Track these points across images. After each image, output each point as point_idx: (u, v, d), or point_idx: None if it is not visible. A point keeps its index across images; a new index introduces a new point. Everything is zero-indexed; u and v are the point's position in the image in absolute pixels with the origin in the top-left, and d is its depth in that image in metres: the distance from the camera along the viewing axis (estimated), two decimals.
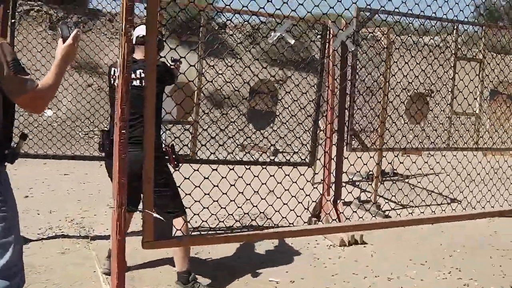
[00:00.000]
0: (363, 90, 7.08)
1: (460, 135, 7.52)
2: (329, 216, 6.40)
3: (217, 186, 3.35)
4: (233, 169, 3.81)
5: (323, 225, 5.70)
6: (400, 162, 5.66)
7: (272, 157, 10.82)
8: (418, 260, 5.88)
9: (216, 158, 5.10)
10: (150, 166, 2.86)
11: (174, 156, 4.65)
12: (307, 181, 4.02)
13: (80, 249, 5.68)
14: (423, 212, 5.55)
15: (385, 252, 6.08)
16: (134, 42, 4.52)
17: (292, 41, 4.04)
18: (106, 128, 4.88)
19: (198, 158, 6.31)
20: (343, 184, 6.43)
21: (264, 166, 4.01)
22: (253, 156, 7.25)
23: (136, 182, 4.14)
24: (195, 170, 3.31)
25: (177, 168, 4.50)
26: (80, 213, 6.96)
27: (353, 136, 6.54)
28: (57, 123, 9.37)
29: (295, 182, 3.82)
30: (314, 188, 4.32)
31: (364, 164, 4.60)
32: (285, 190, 3.80)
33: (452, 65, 7.13)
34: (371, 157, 5.04)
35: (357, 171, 5.15)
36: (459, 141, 7.48)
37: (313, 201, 4.36)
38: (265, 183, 3.61)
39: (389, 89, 8.04)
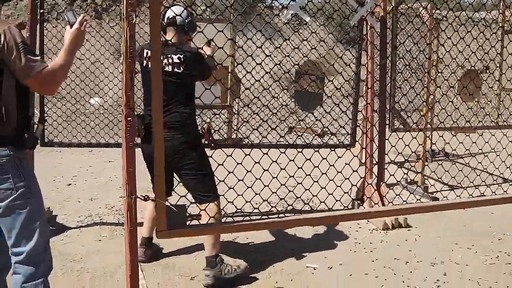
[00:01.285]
0: (405, 68, 6.85)
1: (510, 113, 7.22)
2: (371, 200, 6.20)
3: (250, 171, 3.23)
4: (267, 153, 3.65)
5: (363, 210, 5.48)
6: (446, 143, 5.40)
7: (320, 139, 10.62)
8: (465, 244, 5.64)
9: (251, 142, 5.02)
10: (160, 155, 2.73)
11: (211, 138, 4.65)
12: (346, 164, 3.83)
13: (117, 237, 5.64)
14: (471, 195, 5.29)
15: (430, 236, 5.85)
16: (164, 22, 4.59)
17: (308, 18, 3.84)
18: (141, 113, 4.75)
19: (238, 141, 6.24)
20: (386, 166, 6.23)
21: (299, 150, 3.84)
22: (303, 138, 7.07)
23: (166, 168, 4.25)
24: (228, 155, 3.18)
25: (213, 150, 4.30)
26: (121, 200, 6.92)
27: (395, 116, 6.34)
28: (100, 111, 9.34)
29: (333, 165, 3.64)
30: (354, 171, 4.12)
31: (406, 145, 4.39)
32: (322, 173, 3.62)
33: (500, 39, 6.82)
34: (413, 137, 4.82)
35: (399, 152, 4.94)
36: (510, 119, 7.18)
37: (353, 185, 4.17)
38: (301, 167, 3.48)
39: (432, 66, 7.77)
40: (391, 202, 5.91)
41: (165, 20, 4.59)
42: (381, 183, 6.16)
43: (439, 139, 6.55)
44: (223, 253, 4.81)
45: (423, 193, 7.16)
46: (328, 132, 10.73)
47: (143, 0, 11.85)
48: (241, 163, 3.34)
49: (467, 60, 5.43)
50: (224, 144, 5.85)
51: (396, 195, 4.54)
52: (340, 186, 3.70)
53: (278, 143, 5.86)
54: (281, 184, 3.57)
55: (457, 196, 5.23)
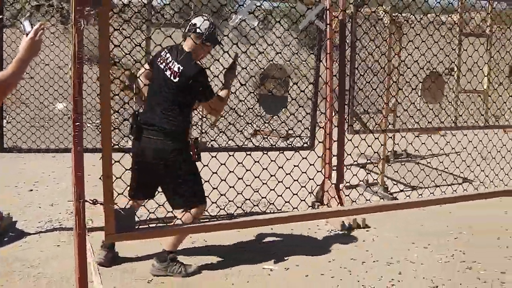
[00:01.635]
0: (365, 70, 6.94)
1: (470, 114, 7.35)
2: (332, 200, 6.29)
3: (216, 173, 3.32)
4: (233, 155, 3.73)
5: (323, 210, 5.57)
6: (409, 143, 5.51)
7: (284, 142, 10.69)
8: (421, 243, 5.75)
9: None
10: (107, 154, 2.78)
11: (196, 150, 4.70)
12: (311, 164, 3.93)
13: None
14: (432, 193, 5.39)
15: (388, 236, 5.96)
16: (187, 30, 4.80)
17: (255, 23, 3.92)
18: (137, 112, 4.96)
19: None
20: (347, 168, 6.33)
21: (265, 152, 3.92)
22: (266, 141, 7.12)
23: (148, 173, 4.62)
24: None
25: (197, 161, 4.67)
26: None
27: (354, 118, 6.42)
28: (68, 117, 9.30)
29: (297, 166, 3.73)
30: (318, 171, 4.22)
31: (368, 146, 4.49)
32: (287, 174, 3.70)
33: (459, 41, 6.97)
34: (376, 138, 4.91)
35: (362, 153, 5.02)
36: (469, 119, 7.31)
37: (317, 185, 4.27)
38: (266, 168, 3.59)
39: (394, 68, 7.89)
40: (355, 201, 5.98)
41: (188, 27, 4.78)
42: (341, 184, 6.26)
43: (401, 141, 6.66)
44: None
45: (383, 193, 7.26)
46: (294, 134, 10.82)
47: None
48: (207, 165, 3.47)
49: (429, 63, 5.58)
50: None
51: (360, 194, 4.64)
52: (304, 187, 3.80)
53: (242, 146, 5.94)
54: (247, 186, 3.62)
55: (419, 195, 5.36)
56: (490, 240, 5.91)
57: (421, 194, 5.38)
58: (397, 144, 9.42)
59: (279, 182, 3.64)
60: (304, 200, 3.91)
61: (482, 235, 6.06)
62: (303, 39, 13.48)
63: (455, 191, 7.89)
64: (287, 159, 3.74)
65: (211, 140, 4.02)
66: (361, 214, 6.16)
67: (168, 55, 4.74)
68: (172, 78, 4.64)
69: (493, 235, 6.07)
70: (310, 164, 3.89)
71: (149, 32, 6.64)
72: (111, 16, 2.92)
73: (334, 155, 5.70)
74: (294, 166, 3.73)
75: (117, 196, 3.03)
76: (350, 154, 4.60)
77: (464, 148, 5.19)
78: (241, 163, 3.64)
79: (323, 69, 6.13)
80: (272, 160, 3.66)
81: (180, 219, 3.66)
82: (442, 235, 6.02)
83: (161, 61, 4.76)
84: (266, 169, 3.61)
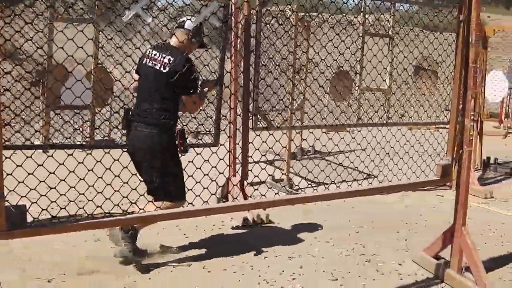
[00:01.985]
0: (273, 68, 7.05)
1: (375, 111, 7.58)
2: (237, 197, 6.36)
3: (73, 172, 3.34)
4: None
5: (224, 204, 5.57)
6: (317, 139, 5.62)
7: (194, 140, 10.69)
8: (324, 237, 5.90)
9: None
10: None
11: (181, 141, 4.86)
12: (225, 161, 3.98)
13: None
14: (339, 187, 5.55)
15: (291, 231, 6.08)
16: (175, 26, 5.06)
17: (149, 19, 3.94)
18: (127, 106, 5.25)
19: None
20: (256, 163, 6.42)
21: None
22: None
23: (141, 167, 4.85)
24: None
25: (183, 154, 4.87)
26: None
27: (259, 115, 6.51)
28: None
29: (209, 161, 3.78)
30: (234, 167, 4.29)
31: (277, 141, 4.60)
32: (194, 172, 3.74)
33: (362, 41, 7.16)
34: (284, 134, 5.04)
35: (270, 147, 5.10)
36: (374, 117, 7.53)
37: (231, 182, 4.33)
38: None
39: (301, 66, 8.05)
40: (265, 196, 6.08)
41: (176, 24, 5.06)
42: (246, 180, 6.35)
43: (309, 137, 6.77)
44: None
45: (288, 189, 7.40)
46: (203, 132, 10.84)
47: None
48: (101, 161, 3.42)
49: (335, 61, 5.74)
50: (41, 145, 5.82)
51: (269, 188, 4.70)
52: (219, 182, 3.83)
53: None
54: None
55: (326, 188, 5.50)
56: (390, 234, 6.13)
57: (327, 188, 5.53)
58: (305, 139, 9.58)
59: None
60: (215, 194, 3.96)
61: (382, 229, 6.28)
62: (214, 36, 13.53)
63: (360, 184, 8.17)
64: (200, 154, 3.78)
65: (104, 137, 4.07)
66: (265, 210, 6.29)
67: (154, 51, 4.93)
68: (162, 69, 4.81)
69: (393, 229, 6.29)
70: (216, 164, 3.94)
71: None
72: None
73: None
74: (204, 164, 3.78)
75: (8, 193, 2.99)
76: (258, 149, 4.70)
77: (368, 143, 5.38)
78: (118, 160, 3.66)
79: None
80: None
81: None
82: (344, 229, 6.20)
83: (148, 60, 4.94)
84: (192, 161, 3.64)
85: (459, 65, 4.57)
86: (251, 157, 5.39)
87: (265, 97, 6.48)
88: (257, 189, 6.60)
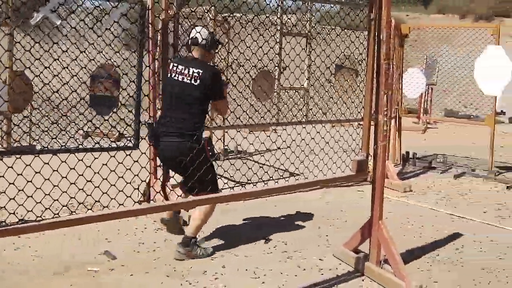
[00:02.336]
0: None
1: (299, 109, 7.69)
2: (158, 198, 6.32)
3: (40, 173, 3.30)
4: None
5: (139, 206, 5.50)
6: (244, 137, 5.65)
7: (118, 142, 10.58)
8: (246, 236, 5.95)
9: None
10: None
11: (209, 148, 5.30)
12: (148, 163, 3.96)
13: None
14: (255, 185, 5.61)
15: (215, 232, 6.09)
16: (189, 42, 5.41)
17: (59, 22, 3.88)
18: (149, 121, 5.81)
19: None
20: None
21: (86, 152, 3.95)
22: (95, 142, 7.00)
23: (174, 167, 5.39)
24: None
25: (212, 159, 5.34)
26: None
27: None
28: None
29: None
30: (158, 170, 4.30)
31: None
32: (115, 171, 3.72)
33: (278, 40, 7.26)
34: (216, 135, 5.04)
35: None
36: (297, 115, 7.63)
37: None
38: (90, 166, 3.63)
39: (226, 67, 8.08)
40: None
41: (190, 39, 5.41)
42: (167, 182, 6.32)
43: (232, 138, 6.83)
44: None
45: None
46: (125, 135, 10.73)
47: None
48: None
49: (260, 61, 5.82)
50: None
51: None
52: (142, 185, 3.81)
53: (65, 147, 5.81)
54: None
55: (242, 187, 5.54)
56: (312, 230, 6.24)
57: (244, 187, 5.58)
58: (232, 139, 9.64)
59: (103, 179, 3.67)
60: (144, 197, 3.96)
61: (304, 226, 6.39)
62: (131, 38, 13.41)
63: (277, 182, 8.26)
64: (116, 156, 3.76)
65: (35, 140, 4.03)
66: (187, 212, 6.27)
67: (179, 65, 5.32)
68: (192, 82, 5.19)
69: (315, 225, 6.42)
70: (131, 167, 3.92)
71: None
72: None
73: None
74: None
75: None
76: None
77: (293, 140, 5.44)
78: (65, 161, 3.70)
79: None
80: (95, 158, 3.70)
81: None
82: (266, 228, 6.28)
83: (174, 74, 5.32)
84: (89, 166, 3.64)
85: (371, 63, 4.69)
86: None
87: None
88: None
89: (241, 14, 6.32)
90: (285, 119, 6.86)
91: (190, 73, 5.21)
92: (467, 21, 28.48)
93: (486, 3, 28.20)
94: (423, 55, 14.62)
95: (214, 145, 5.47)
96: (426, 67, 15.31)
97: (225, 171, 8.30)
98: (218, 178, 8.04)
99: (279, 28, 7.50)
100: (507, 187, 8.77)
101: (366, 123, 4.74)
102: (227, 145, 10.16)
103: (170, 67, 5.43)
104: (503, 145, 13.00)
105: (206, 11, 7.25)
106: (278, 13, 7.35)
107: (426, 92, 15.13)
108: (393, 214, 6.93)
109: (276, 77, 7.52)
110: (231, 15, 8.01)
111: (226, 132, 9.64)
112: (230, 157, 9.88)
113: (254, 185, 5.67)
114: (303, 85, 7.42)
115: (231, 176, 7.85)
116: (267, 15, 6.55)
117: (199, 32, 5.38)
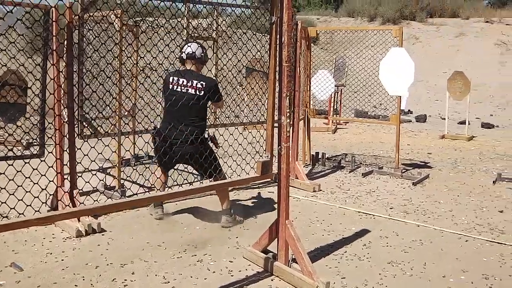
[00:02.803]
0: (97, 73, 6.95)
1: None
2: (66, 207, 6.22)
3: None
4: None
5: (47, 214, 5.41)
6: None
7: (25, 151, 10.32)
8: (156, 241, 5.92)
9: None
10: None
11: (215, 141, 6.35)
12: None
13: None
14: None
15: (124, 239, 6.01)
16: (184, 56, 6.35)
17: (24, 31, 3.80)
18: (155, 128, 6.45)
19: None
20: (80, 174, 6.32)
21: None
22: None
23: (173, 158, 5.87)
24: None
25: (218, 148, 6.40)
26: None
27: (85, 123, 6.42)
28: None
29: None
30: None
31: (106, 145, 4.54)
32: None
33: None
34: (116, 140, 4.97)
35: (100, 153, 5.00)
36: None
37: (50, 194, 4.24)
38: None
39: (126, 71, 8.02)
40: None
41: (185, 55, 6.35)
42: (74, 190, 6.24)
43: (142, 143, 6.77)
44: None
45: (120, 196, 7.31)
46: (35, 143, 10.48)
47: None
48: None
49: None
50: None
51: (105, 194, 4.63)
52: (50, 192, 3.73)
53: None
54: None
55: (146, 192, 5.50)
56: (222, 233, 6.30)
57: (148, 191, 5.55)
58: (147, 143, 9.55)
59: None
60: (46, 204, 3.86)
61: (214, 229, 6.43)
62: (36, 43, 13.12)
63: (181, 186, 8.24)
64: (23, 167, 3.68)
65: None
66: (97, 219, 6.22)
67: (180, 79, 6.22)
68: (197, 92, 6.17)
69: (225, 228, 6.45)
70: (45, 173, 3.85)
71: None
72: None
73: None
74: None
75: None
76: (87, 155, 4.63)
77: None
78: None
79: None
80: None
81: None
82: (176, 232, 6.27)
83: (176, 86, 6.25)
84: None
85: (273, 65, 4.77)
86: (80, 163, 5.28)
87: (92, 103, 6.40)
88: (89, 196, 6.45)
89: (153, 19, 6.31)
90: None
91: (194, 85, 6.19)
92: (376, 23, 29.18)
93: (394, 6, 28.96)
94: (334, 57, 14.97)
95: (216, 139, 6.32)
96: (336, 69, 15.68)
97: (139, 174, 8.24)
98: (130, 183, 8.05)
99: (190, 32, 7.54)
100: (413, 184, 9.07)
101: (269, 125, 4.80)
102: (140, 149, 10.07)
103: (170, 80, 6.28)
104: (409, 144, 13.47)
105: (117, 16, 7.16)
106: (185, 18, 7.39)
107: (336, 93, 15.47)
108: (302, 214, 7.07)
109: None
110: (143, 19, 7.97)
111: (140, 136, 9.54)
112: (143, 161, 9.81)
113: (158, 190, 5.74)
114: None
115: (144, 181, 7.77)
116: (178, 19, 6.54)
117: (199, 47, 6.37)
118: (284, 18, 4.73)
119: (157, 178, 6.38)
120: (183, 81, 6.21)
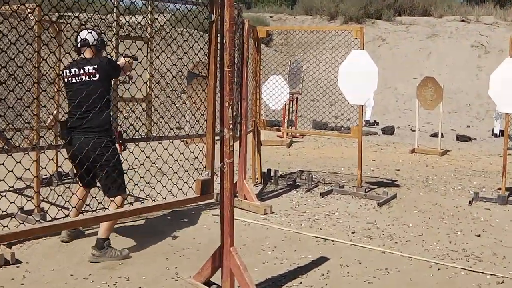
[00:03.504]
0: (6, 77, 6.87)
1: (142, 123, 7.67)
2: None
3: None
4: None
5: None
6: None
7: None
8: (81, 273, 5.89)
9: None
10: None
11: (121, 141, 6.19)
12: None
13: None
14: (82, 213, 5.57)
15: (44, 271, 5.95)
16: (78, 44, 6.39)
17: None
18: (62, 120, 6.43)
19: None
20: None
21: None
22: None
23: (87, 163, 5.48)
24: None
25: (123, 150, 6.32)
26: None
27: None
28: None
29: None
30: None
31: (18, 162, 4.47)
32: None
33: (115, 45, 7.23)
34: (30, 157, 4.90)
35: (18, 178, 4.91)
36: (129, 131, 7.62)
37: None
38: None
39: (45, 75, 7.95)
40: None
41: (78, 42, 6.37)
42: None
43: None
44: None
45: (40, 221, 7.21)
46: None
47: None
48: None
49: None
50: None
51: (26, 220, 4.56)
52: None
53: None
54: None
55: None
56: (158, 262, 6.29)
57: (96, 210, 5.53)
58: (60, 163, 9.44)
59: None
60: None
61: (150, 258, 6.42)
62: None
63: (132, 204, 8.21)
64: None
65: None
66: (10, 249, 6.14)
67: (73, 69, 6.20)
68: (92, 78, 6.12)
69: (162, 256, 6.46)
70: None
71: None
72: None
73: None
74: None
75: None
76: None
77: (136, 158, 5.40)
78: None
79: None
80: None
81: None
82: (106, 262, 6.24)
83: (71, 79, 6.24)
84: None
85: (213, 71, 4.80)
86: None
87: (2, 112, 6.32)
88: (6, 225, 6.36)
89: (73, 16, 6.28)
90: (126, 135, 6.85)
91: (86, 71, 6.12)
92: (337, 23, 29.48)
93: (357, 3, 29.26)
94: (290, 60, 15.04)
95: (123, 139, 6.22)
96: (290, 74, 15.73)
97: (58, 195, 8.16)
98: (51, 205, 7.97)
99: (115, 31, 7.50)
100: (378, 204, 9.15)
101: (210, 138, 4.84)
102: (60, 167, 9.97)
103: (64, 74, 6.28)
104: (374, 159, 13.63)
105: (30, 11, 7.10)
106: (114, 14, 7.36)
107: (291, 102, 15.54)
108: (251, 239, 7.11)
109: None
110: (62, 16, 7.92)
111: (59, 151, 9.45)
112: (65, 180, 9.71)
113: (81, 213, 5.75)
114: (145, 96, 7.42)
115: (66, 202, 7.69)
116: (102, 17, 6.56)
117: (90, 33, 6.40)
118: (225, 17, 4.76)
119: (73, 194, 6.10)
120: (74, 71, 6.22)
